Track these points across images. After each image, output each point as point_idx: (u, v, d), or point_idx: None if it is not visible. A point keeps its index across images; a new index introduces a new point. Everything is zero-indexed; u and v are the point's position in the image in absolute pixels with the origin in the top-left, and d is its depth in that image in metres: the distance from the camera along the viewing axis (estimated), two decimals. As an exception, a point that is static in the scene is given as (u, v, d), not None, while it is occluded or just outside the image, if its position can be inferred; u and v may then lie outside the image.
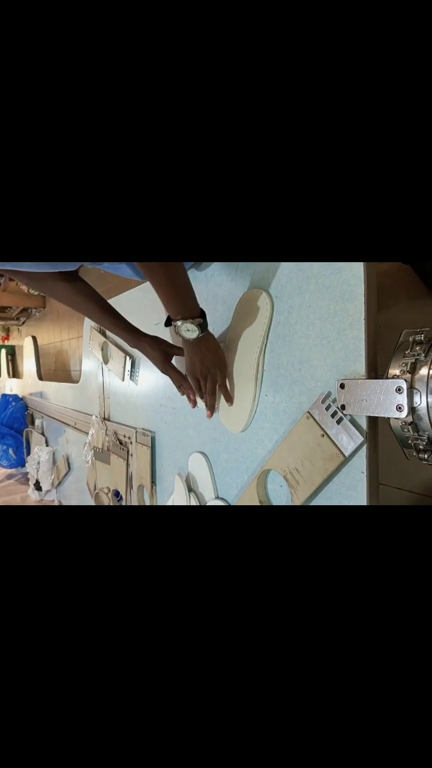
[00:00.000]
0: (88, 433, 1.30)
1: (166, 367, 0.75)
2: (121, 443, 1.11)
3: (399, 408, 0.43)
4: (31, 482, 1.94)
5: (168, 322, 0.63)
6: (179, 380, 0.74)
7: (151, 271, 0.54)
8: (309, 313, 0.54)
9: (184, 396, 0.74)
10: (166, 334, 0.78)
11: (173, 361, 0.76)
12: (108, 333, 1.18)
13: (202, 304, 0.75)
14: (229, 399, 0.68)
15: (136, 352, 1.03)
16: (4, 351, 4.13)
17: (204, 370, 0.66)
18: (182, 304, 0.58)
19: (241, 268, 0.66)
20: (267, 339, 0.61)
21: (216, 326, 0.72)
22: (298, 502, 0.54)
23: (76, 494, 1.57)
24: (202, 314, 0.61)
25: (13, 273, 0.61)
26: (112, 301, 1.15)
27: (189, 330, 0.60)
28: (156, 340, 0.76)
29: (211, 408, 0.70)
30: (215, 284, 0.73)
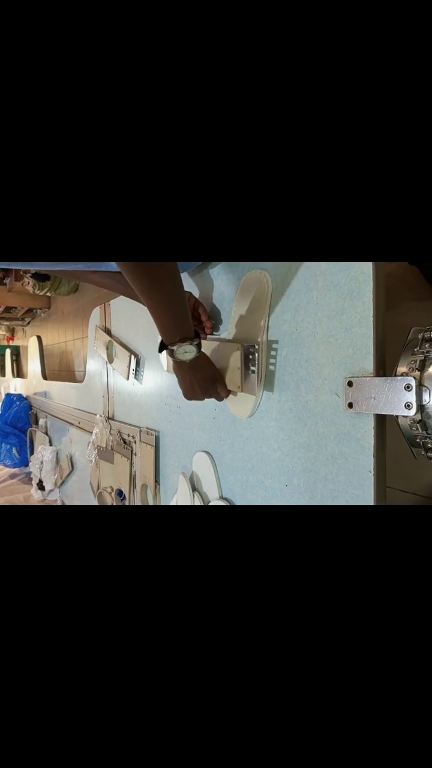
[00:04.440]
0: (92, 433, 1.30)
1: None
2: (125, 442, 1.11)
3: (408, 406, 0.42)
4: (35, 482, 1.94)
5: (162, 347, 0.61)
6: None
7: (148, 294, 0.53)
8: (316, 311, 0.53)
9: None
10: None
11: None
12: (113, 332, 1.18)
13: (207, 303, 0.75)
14: (228, 394, 0.69)
15: (140, 351, 1.03)
16: (8, 351, 4.15)
17: (204, 391, 0.66)
18: (179, 326, 0.57)
19: (248, 266, 0.66)
20: (269, 316, 0.61)
21: (224, 324, 0.72)
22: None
23: (79, 494, 1.57)
24: (197, 334, 0.60)
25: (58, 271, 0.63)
26: (119, 300, 1.15)
27: (187, 352, 0.59)
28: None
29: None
30: (221, 282, 0.72)
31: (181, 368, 0.63)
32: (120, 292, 0.77)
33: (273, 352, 0.61)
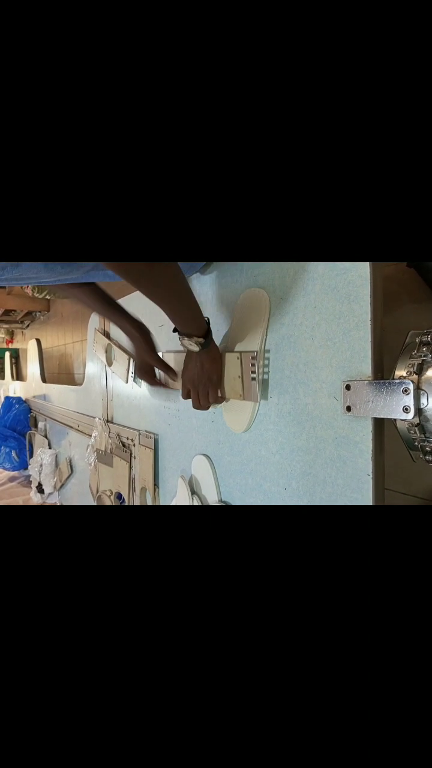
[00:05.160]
0: (91, 436, 1.30)
1: (140, 373, 0.78)
2: (124, 445, 1.11)
3: (406, 409, 0.42)
4: (34, 485, 1.94)
5: (175, 329, 0.66)
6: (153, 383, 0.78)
7: (157, 295, 0.55)
8: (314, 315, 0.53)
9: (188, 399, 0.74)
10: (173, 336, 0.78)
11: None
12: (112, 335, 1.19)
13: (207, 307, 0.75)
14: (220, 401, 0.70)
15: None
16: (8, 354, 4.15)
17: (196, 380, 0.68)
18: (189, 323, 0.61)
19: (245, 270, 0.66)
20: (266, 336, 0.62)
21: (220, 328, 0.72)
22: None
23: (79, 497, 1.56)
24: (207, 332, 0.63)
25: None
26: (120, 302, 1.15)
27: (192, 345, 0.63)
28: (141, 344, 0.78)
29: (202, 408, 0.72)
30: (220, 287, 0.73)
31: (188, 353, 0.68)
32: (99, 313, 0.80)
33: (266, 362, 0.62)
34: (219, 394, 0.69)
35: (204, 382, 0.68)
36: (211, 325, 0.66)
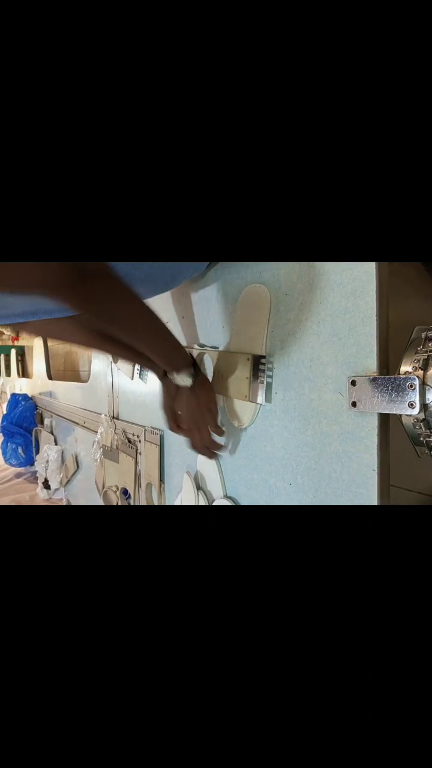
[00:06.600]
0: (97, 432, 1.31)
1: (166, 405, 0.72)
2: (129, 441, 1.11)
3: (411, 405, 0.42)
4: (40, 481, 1.95)
5: (163, 374, 0.65)
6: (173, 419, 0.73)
7: (139, 338, 0.56)
8: (320, 310, 0.53)
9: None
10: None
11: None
12: (117, 332, 1.19)
13: (211, 303, 0.75)
14: (221, 433, 0.70)
15: (145, 350, 1.04)
16: (14, 351, 4.16)
17: (198, 417, 0.67)
18: (174, 355, 0.61)
19: (250, 266, 0.66)
20: (268, 331, 0.62)
21: (226, 325, 0.72)
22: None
23: (85, 493, 1.57)
24: (194, 362, 0.63)
25: (20, 326, 0.57)
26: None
27: (184, 379, 0.63)
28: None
29: (211, 453, 0.71)
30: (224, 283, 0.73)
31: (183, 390, 0.66)
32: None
33: (270, 365, 0.62)
34: (219, 425, 0.69)
35: (205, 416, 0.67)
36: (209, 329, 0.66)
